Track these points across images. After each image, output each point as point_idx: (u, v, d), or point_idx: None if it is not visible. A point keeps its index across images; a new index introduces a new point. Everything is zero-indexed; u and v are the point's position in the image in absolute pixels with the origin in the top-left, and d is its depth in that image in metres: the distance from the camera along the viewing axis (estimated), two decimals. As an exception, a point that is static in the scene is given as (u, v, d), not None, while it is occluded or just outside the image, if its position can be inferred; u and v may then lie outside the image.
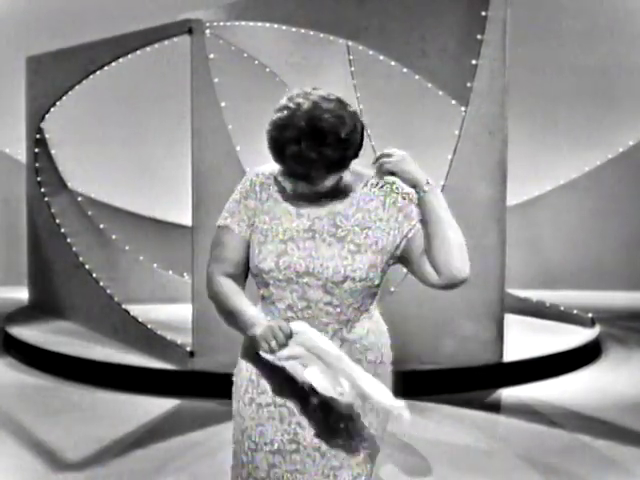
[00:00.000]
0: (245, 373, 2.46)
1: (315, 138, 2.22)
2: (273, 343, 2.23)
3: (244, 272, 2.42)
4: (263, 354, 2.27)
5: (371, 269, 2.34)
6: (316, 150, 2.22)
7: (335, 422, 2.38)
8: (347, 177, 2.40)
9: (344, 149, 2.25)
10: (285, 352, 2.24)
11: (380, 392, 2.24)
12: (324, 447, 2.38)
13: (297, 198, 2.37)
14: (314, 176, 2.28)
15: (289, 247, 2.34)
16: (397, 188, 2.41)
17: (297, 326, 2.27)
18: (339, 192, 2.38)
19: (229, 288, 2.39)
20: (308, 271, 2.33)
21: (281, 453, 2.38)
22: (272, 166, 2.40)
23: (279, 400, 2.39)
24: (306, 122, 2.22)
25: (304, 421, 2.38)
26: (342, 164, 2.29)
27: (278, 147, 2.26)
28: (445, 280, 2.36)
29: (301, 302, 2.35)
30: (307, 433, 2.38)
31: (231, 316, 2.37)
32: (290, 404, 2.38)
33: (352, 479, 2.40)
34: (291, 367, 2.26)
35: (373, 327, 2.43)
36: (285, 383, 2.35)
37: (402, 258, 2.41)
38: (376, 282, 2.37)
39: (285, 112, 2.24)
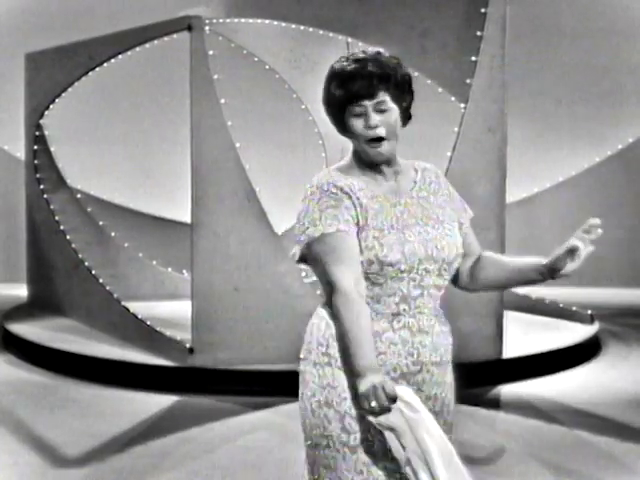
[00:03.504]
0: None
1: (384, 80, 2.33)
2: (374, 403, 2.16)
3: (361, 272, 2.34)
4: (362, 412, 2.23)
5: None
6: (385, 86, 2.33)
7: None
8: (396, 160, 2.44)
9: (410, 91, 2.40)
10: (384, 419, 2.18)
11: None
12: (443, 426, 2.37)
13: (378, 191, 2.40)
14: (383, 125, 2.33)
15: (407, 235, 2.35)
16: (438, 172, 2.53)
17: (403, 391, 2.22)
18: (402, 179, 2.45)
19: (357, 318, 2.25)
20: (427, 255, 2.36)
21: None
22: (332, 173, 2.41)
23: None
24: (377, 67, 2.33)
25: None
26: (407, 105, 2.40)
27: (346, 99, 2.33)
28: (461, 287, 2.55)
29: (416, 290, 2.36)
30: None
31: (343, 342, 2.28)
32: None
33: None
34: (388, 437, 2.22)
35: None
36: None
37: None
38: None
39: (353, 64, 2.34)
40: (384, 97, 2.34)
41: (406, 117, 2.42)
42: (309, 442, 2.40)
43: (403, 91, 2.38)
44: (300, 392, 2.43)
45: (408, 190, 2.43)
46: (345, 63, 2.36)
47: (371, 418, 2.20)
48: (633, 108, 10.39)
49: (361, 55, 2.37)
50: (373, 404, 2.16)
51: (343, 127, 2.40)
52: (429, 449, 2.19)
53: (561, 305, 8.06)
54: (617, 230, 10.46)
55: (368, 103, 2.33)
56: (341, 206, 2.34)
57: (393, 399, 2.16)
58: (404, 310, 2.36)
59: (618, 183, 10.49)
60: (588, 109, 10.30)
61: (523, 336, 7.13)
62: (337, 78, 2.35)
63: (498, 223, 6.42)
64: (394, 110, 2.35)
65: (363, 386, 2.18)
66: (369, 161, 2.40)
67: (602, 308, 8.81)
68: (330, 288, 2.30)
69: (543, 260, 2.37)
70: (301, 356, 2.45)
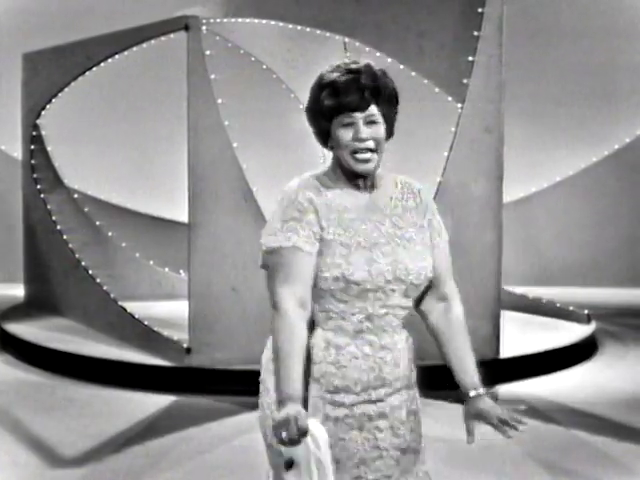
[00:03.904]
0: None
1: (378, 94, 2.31)
2: (284, 434, 2.17)
3: (311, 291, 2.32)
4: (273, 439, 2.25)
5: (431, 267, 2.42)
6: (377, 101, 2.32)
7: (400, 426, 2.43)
8: (379, 178, 2.42)
9: (396, 105, 2.37)
10: (287, 450, 2.20)
11: None
12: (403, 445, 2.43)
13: (351, 204, 2.36)
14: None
15: (375, 254, 2.32)
16: (421, 189, 2.48)
17: (313, 426, 2.23)
18: (380, 195, 2.41)
19: (293, 340, 2.26)
20: (395, 277, 2.33)
21: (365, 462, 2.39)
22: (307, 181, 2.39)
23: (357, 410, 2.38)
24: (370, 79, 2.31)
25: (382, 423, 2.40)
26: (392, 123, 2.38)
27: (338, 110, 2.30)
28: (418, 313, 2.50)
29: (382, 309, 2.35)
30: (385, 435, 2.40)
31: (275, 362, 2.28)
32: (367, 411, 2.38)
33: (423, 474, 2.51)
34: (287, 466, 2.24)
35: None
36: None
37: None
38: None
39: (346, 75, 2.31)
40: (374, 110, 2.31)
41: (390, 132, 2.39)
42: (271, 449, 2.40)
43: (391, 105, 2.36)
44: (260, 401, 2.43)
45: (382, 206, 2.39)
46: (338, 74, 2.32)
47: (280, 446, 2.22)
48: (630, 108, 10.39)
49: (354, 66, 2.33)
50: (284, 435, 2.17)
51: (325, 136, 2.37)
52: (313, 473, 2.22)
53: (558, 305, 8.07)
54: (614, 230, 10.48)
55: (359, 115, 2.30)
56: (304, 220, 2.31)
57: (303, 433, 2.17)
58: (367, 328, 2.35)
59: (615, 183, 10.49)
60: (585, 109, 10.31)
61: (520, 336, 7.14)
62: (329, 88, 2.31)
63: (495, 223, 6.42)
64: (382, 124, 2.34)
65: (279, 415, 2.19)
66: (350, 173, 2.36)
67: (599, 308, 8.81)
68: (273, 305, 2.30)
69: (469, 392, 2.42)
70: (262, 365, 2.44)
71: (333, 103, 2.31)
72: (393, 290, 2.34)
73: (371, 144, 2.32)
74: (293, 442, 2.18)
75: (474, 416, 2.42)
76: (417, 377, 2.55)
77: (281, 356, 2.25)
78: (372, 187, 2.40)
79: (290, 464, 2.23)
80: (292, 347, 2.25)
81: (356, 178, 2.37)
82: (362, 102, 2.30)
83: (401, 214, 2.40)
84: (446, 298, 2.47)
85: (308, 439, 2.21)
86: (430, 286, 2.45)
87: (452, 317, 2.47)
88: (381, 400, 2.39)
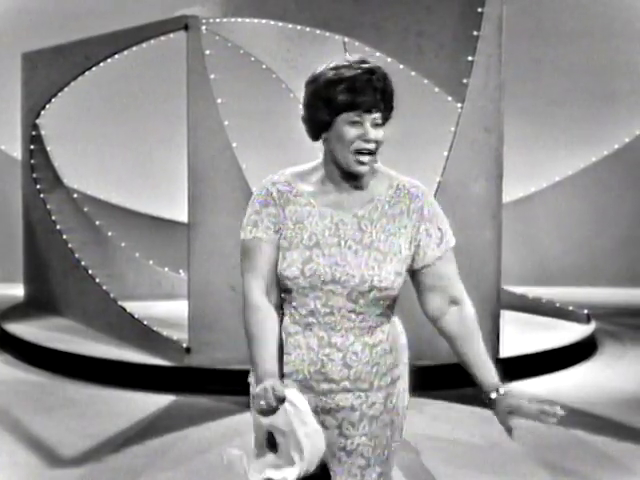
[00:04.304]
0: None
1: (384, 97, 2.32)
2: (262, 402, 2.21)
3: (277, 279, 2.39)
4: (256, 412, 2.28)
5: (397, 277, 2.35)
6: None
7: (356, 426, 2.42)
8: (369, 176, 2.39)
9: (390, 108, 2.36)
10: (270, 420, 2.25)
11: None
12: (349, 447, 2.42)
13: (320, 201, 2.38)
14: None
15: (314, 254, 2.34)
16: (422, 194, 2.41)
17: (290, 394, 2.27)
18: (362, 196, 2.38)
19: (263, 317, 2.36)
20: (334, 279, 2.33)
21: None
22: (285, 174, 2.43)
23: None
24: (384, 81, 2.31)
25: (328, 420, 2.41)
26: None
27: (350, 107, 2.30)
28: (430, 319, 2.46)
29: (324, 308, 2.36)
30: (331, 433, 2.40)
31: (250, 346, 2.38)
32: (311, 402, 2.38)
33: (377, 477, 2.45)
34: (277, 437, 2.28)
35: (393, 330, 2.45)
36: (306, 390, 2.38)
37: (412, 272, 2.42)
38: (398, 289, 2.39)
39: (365, 75, 2.29)
40: (379, 113, 2.32)
41: None
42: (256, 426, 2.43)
43: (392, 109, 2.36)
44: (250, 392, 2.47)
45: (357, 207, 2.37)
46: (357, 71, 2.30)
47: (262, 419, 2.26)
48: (629, 108, 10.40)
49: (369, 65, 2.32)
50: (262, 403, 2.20)
51: (322, 128, 2.36)
52: (296, 430, 2.25)
53: (558, 304, 8.07)
54: (613, 229, 10.48)
55: (368, 116, 2.30)
56: (263, 212, 2.39)
57: (281, 400, 2.21)
58: (313, 322, 2.37)
59: (614, 183, 10.50)
60: (585, 109, 10.31)
61: (520, 336, 7.14)
62: (346, 83, 2.29)
63: (495, 222, 6.42)
64: (383, 127, 2.35)
65: (257, 388, 2.24)
66: (341, 170, 2.36)
67: (598, 307, 8.82)
68: (243, 294, 2.41)
69: (496, 391, 2.41)
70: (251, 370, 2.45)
71: (348, 99, 2.29)
72: (333, 292, 2.33)
73: (373, 146, 2.33)
74: (271, 410, 2.22)
75: (509, 413, 2.39)
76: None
77: (253, 341, 2.35)
78: (357, 187, 2.38)
79: (272, 440, 2.27)
80: (261, 330, 2.35)
81: (345, 176, 2.37)
82: (376, 103, 2.30)
83: (375, 218, 2.36)
84: (457, 301, 2.43)
85: (286, 405, 2.24)
86: (437, 291, 2.41)
87: (466, 319, 2.43)
88: (324, 394, 2.40)
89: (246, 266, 2.40)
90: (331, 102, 2.31)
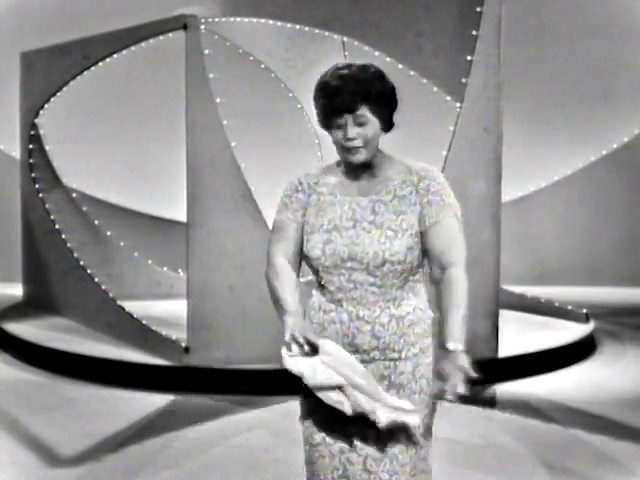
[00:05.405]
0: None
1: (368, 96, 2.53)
2: (293, 345, 2.49)
3: (300, 254, 2.67)
4: (289, 366, 2.50)
5: (409, 252, 2.57)
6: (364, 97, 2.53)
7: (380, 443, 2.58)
8: (384, 164, 2.63)
9: (391, 103, 2.58)
10: (314, 381, 2.46)
11: (399, 403, 2.50)
12: (374, 467, 2.59)
13: (341, 190, 2.65)
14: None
15: (333, 236, 2.60)
16: (431, 173, 2.62)
17: (325, 344, 2.48)
18: (378, 182, 2.63)
19: (282, 270, 2.65)
20: (351, 257, 2.57)
21: None
22: (317, 167, 2.74)
23: (329, 440, 2.62)
24: (357, 84, 2.51)
25: (353, 456, 2.60)
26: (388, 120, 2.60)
27: (330, 111, 2.54)
28: (431, 282, 2.65)
29: (348, 284, 2.59)
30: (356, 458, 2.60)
31: (273, 297, 2.64)
32: (339, 440, 2.61)
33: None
34: (323, 397, 2.47)
35: (419, 304, 2.64)
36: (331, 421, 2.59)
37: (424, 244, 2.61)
38: (415, 263, 2.60)
39: (336, 80, 2.52)
40: (363, 111, 2.53)
41: (389, 125, 2.61)
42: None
43: (382, 104, 2.56)
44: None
45: (371, 192, 2.62)
46: (329, 78, 2.55)
47: (308, 380, 2.46)
48: (628, 107, 10.40)
49: (345, 72, 2.54)
50: (293, 346, 2.49)
51: (327, 130, 2.63)
52: (355, 380, 2.45)
53: (556, 304, 8.07)
54: (612, 229, 10.49)
55: (348, 116, 2.53)
56: (293, 197, 2.70)
57: (309, 342, 2.47)
58: (342, 298, 2.61)
59: (613, 182, 10.51)
60: (583, 109, 10.32)
61: (518, 335, 7.14)
62: (322, 91, 2.56)
63: (494, 222, 6.43)
64: (373, 122, 2.55)
65: (285, 335, 2.52)
66: (346, 163, 2.65)
67: (597, 307, 8.83)
68: (266, 260, 2.70)
69: (448, 345, 2.47)
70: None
71: (326, 104, 2.56)
72: (353, 268, 2.57)
73: (358, 142, 2.55)
74: (302, 348, 2.47)
75: (439, 370, 2.46)
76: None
77: (275, 293, 2.63)
78: (371, 175, 2.63)
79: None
80: (281, 282, 2.63)
81: (359, 166, 2.62)
82: (350, 105, 2.52)
83: (387, 200, 2.60)
84: (446, 267, 2.57)
85: (322, 357, 2.46)
86: (435, 256, 2.58)
87: (448, 278, 2.55)
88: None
89: (274, 239, 2.70)
90: (319, 110, 2.61)
